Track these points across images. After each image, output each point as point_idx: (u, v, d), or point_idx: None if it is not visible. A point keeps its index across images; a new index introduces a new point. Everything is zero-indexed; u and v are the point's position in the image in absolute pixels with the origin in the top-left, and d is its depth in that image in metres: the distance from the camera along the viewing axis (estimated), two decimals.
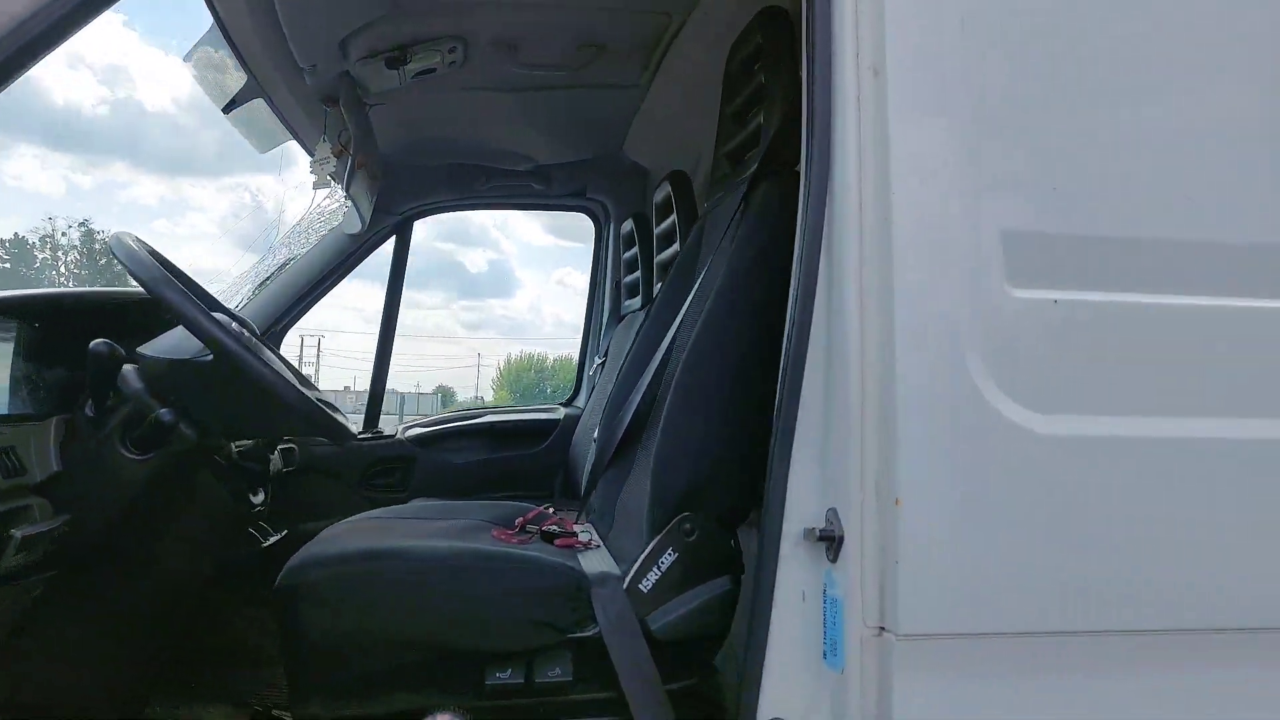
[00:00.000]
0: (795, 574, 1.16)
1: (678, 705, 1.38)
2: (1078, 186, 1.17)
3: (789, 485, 1.16)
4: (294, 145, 2.51)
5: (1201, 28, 1.24)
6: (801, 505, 1.16)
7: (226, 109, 2.24)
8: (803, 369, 1.16)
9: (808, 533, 1.15)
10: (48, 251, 54.98)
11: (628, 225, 2.97)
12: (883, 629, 1.10)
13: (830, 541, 1.13)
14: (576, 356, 3.34)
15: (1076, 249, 1.17)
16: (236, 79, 2.14)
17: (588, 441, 2.33)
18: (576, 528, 1.83)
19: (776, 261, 1.37)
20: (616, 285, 3.15)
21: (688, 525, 1.45)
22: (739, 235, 1.55)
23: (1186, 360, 1.17)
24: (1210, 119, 1.24)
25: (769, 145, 1.55)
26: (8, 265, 52.01)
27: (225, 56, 2.06)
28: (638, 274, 2.84)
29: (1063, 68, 1.19)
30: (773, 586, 1.16)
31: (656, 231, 2.66)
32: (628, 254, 2.97)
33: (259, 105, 2.27)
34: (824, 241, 1.16)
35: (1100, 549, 1.13)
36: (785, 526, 1.15)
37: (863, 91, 1.15)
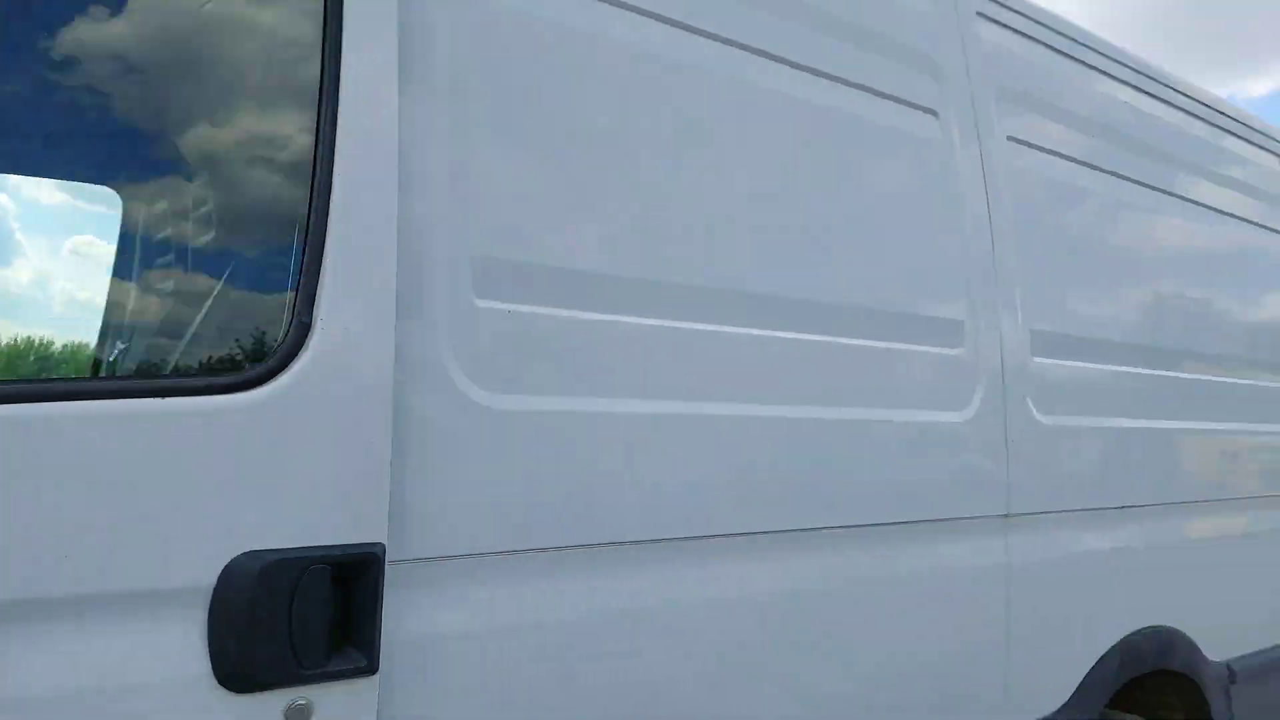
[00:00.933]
0: None
1: None
2: (539, 224, 1.56)
3: None
4: None
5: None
6: None
7: None
8: None
9: None
10: None
11: None
12: None
13: None
14: None
15: (524, 271, 1.51)
16: None
17: None
18: None
19: None
20: None
21: None
22: None
23: (621, 352, 1.60)
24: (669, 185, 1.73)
25: None
26: None
27: None
28: None
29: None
30: None
31: None
32: None
33: None
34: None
35: (547, 482, 1.49)
36: None
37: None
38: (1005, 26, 2.56)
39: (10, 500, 1.07)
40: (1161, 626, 2.65)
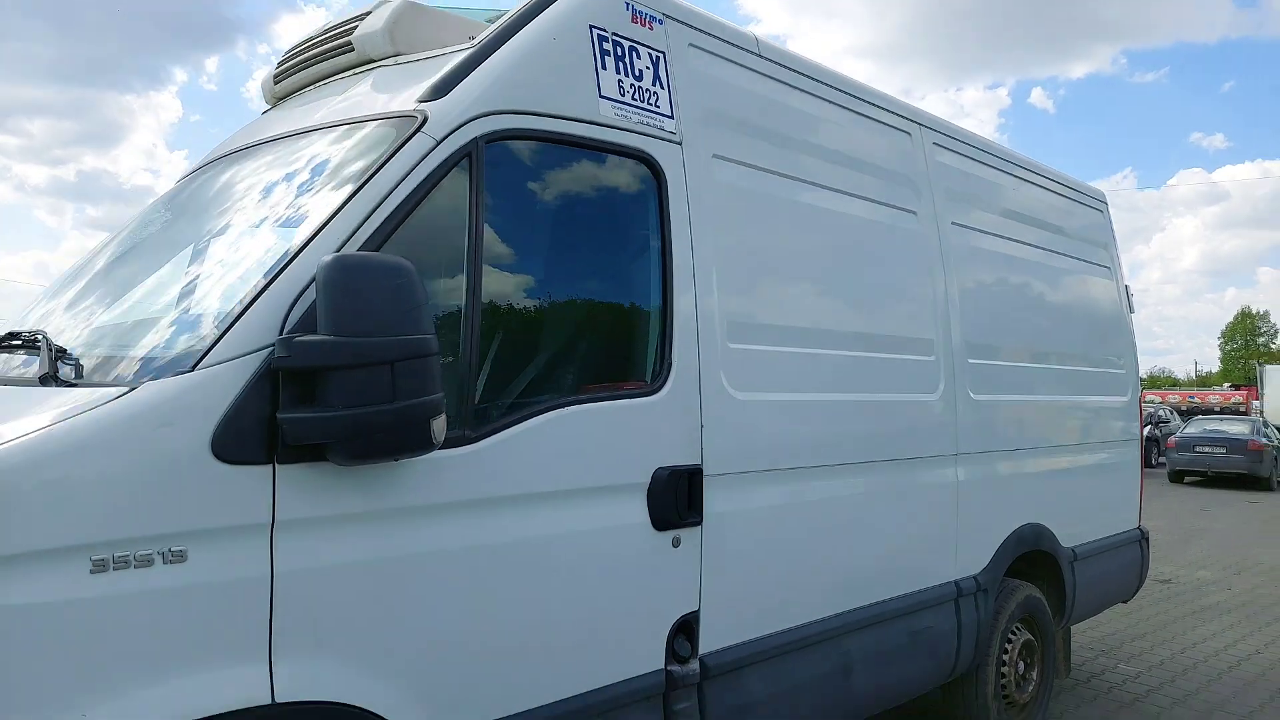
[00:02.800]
0: None
1: None
2: (754, 303, 2.90)
3: None
4: None
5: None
6: None
7: None
8: None
9: None
10: None
11: None
12: None
13: None
14: None
15: (748, 327, 2.85)
16: None
17: None
18: None
19: None
20: None
21: None
22: None
23: (789, 367, 3.29)
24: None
25: None
26: None
27: None
28: None
29: None
30: None
31: None
32: None
33: None
34: None
35: (765, 435, 2.83)
36: None
37: None
38: (949, 150, 4.09)
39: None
40: (1036, 523, 4.29)
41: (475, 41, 2.50)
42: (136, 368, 1.90)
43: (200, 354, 1.79)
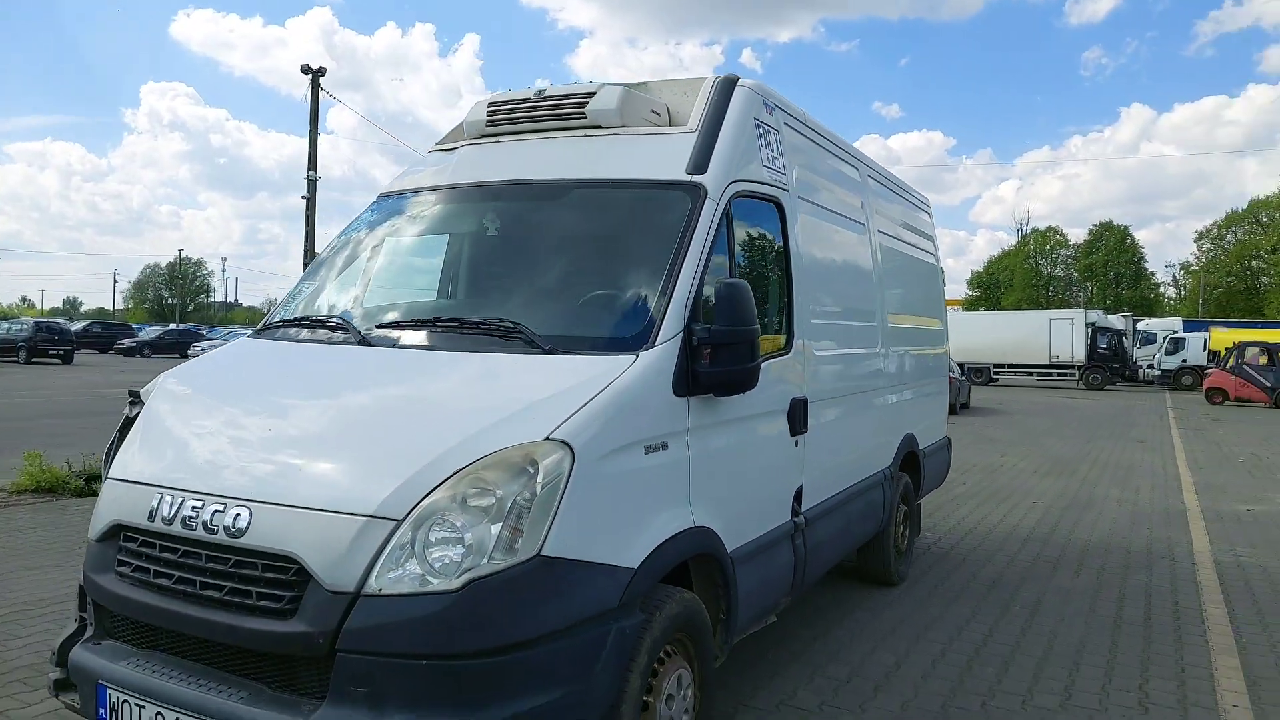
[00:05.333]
0: None
1: None
2: (820, 296, 5.15)
3: None
4: None
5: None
6: None
7: None
8: None
9: None
10: None
11: None
12: None
13: None
14: None
15: (815, 322, 4.84)
16: None
17: None
18: None
19: None
20: None
21: None
22: None
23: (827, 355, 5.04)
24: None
25: None
26: None
27: None
28: None
29: None
30: None
31: None
32: None
33: None
34: None
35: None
36: None
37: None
38: (874, 180, 5.98)
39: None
40: (910, 433, 6.40)
41: (690, 128, 3.89)
42: (610, 343, 3.18)
43: (654, 337, 3.14)
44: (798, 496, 4.27)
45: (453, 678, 2.45)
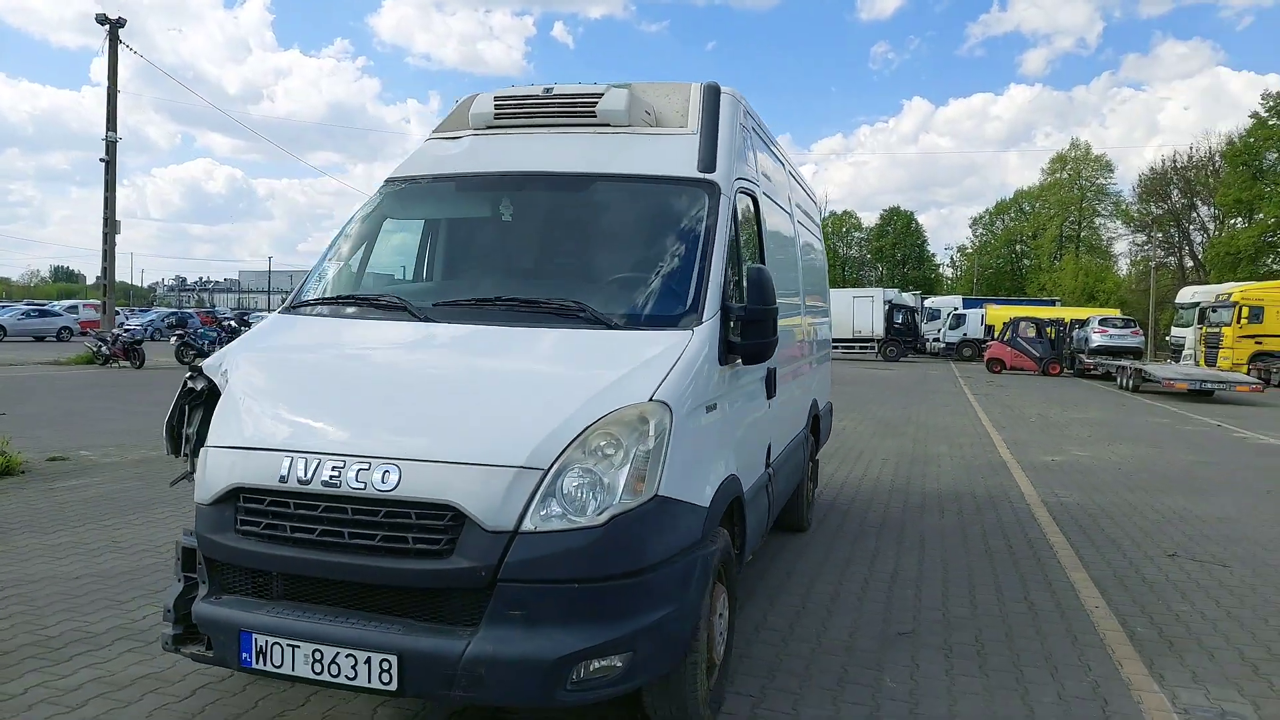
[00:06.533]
0: None
1: None
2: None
3: None
4: None
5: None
6: None
7: None
8: None
9: None
10: None
11: None
12: None
13: None
14: None
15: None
16: None
17: None
18: None
19: None
20: None
21: None
22: None
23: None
24: None
25: None
26: None
27: None
28: None
29: None
30: None
31: None
32: None
33: None
34: None
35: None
36: None
37: None
38: (793, 178, 6.75)
39: None
40: (815, 399, 7.28)
41: (690, 129, 4.45)
42: (666, 320, 3.68)
43: (701, 314, 3.69)
44: (768, 452, 4.97)
45: (598, 598, 2.94)
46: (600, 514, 2.96)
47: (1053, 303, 53.16)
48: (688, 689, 3.37)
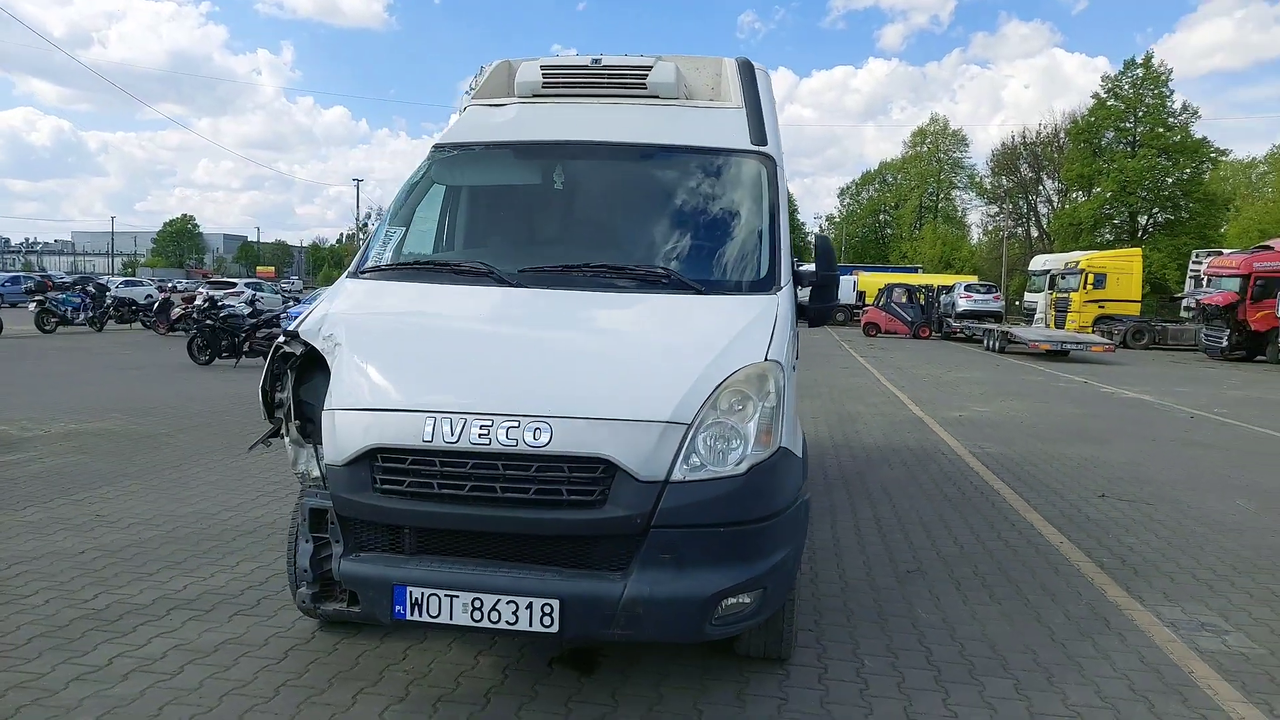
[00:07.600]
0: None
1: None
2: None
3: None
4: None
5: None
6: None
7: None
8: None
9: None
10: None
11: None
12: None
13: None
14: None
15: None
16: None
17: None
18: None
19: None
20: None
21: None
22: None
23: None
24: None
25: None
26: None
27: None
28: None
29: None
30: None
31: None
32: None
33: None
34: None
35: None
36: None
37: None
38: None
39: None
40: None
41: (735, 103, 4.69)
42: (751, 285, 3.93)
43: (779, 280, 3.97)
44: None
45: (741, 539, 3.21)
46: (740, 464, 3.22)
47: (916, 269, 56.22)
48: (785, 623, 3.70)
